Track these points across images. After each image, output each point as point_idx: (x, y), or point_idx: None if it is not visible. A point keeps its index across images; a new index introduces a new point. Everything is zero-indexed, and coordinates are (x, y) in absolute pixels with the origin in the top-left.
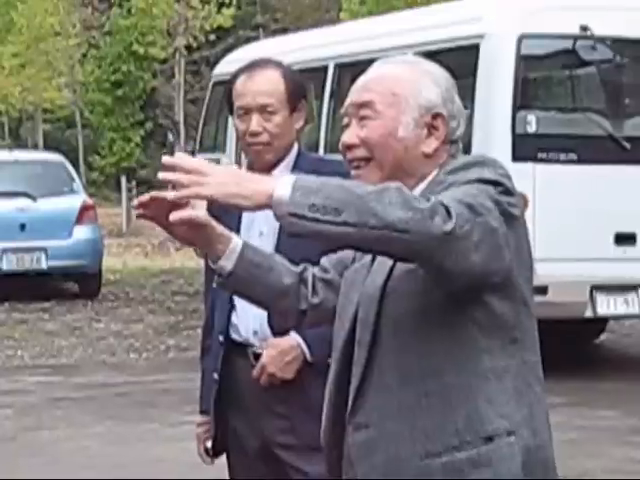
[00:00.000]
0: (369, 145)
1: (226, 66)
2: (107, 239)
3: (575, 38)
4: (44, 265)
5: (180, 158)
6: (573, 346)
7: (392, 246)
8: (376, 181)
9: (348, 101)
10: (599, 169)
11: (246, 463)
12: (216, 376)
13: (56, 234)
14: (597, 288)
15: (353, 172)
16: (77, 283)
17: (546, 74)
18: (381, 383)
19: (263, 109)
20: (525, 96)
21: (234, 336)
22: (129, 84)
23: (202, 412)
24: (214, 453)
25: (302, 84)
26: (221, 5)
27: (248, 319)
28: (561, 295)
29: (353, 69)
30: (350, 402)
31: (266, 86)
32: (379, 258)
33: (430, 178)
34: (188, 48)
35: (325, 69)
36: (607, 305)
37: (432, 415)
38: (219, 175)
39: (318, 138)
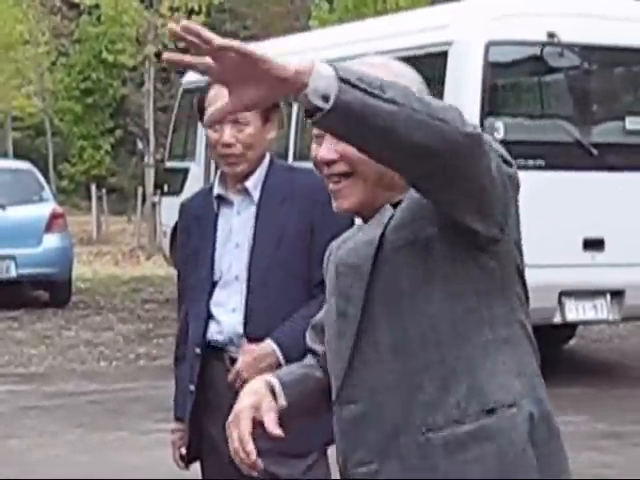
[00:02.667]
0: (349, 160)
1: (196, 74)
2: (77, 247)
3: (542, 45)
4: (13, 273)
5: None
6: (542, 352)
7: (430, 133)
8: (360, 194)
9: None
10: (567, 175)
11: (220, 469)
12: (192, 388)
13: (25, 242)
14: (566, 294)
15: (332, 186)
16: (47, 291)
17: (514, 81)
18: (373, 357)
19: (235, 120)
20: (493, 103)
21: (211, 342)
22: (99, 92)
23: (177, 419)
24: (188, 460)
25: None
26: (190, 13)
27: (224, 326)
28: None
29: None
30: (340, 379)
31: None
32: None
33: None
34: (158, 56)
35: None
36: (576, 311)
37: (432, 388)
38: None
39: (287, 145)
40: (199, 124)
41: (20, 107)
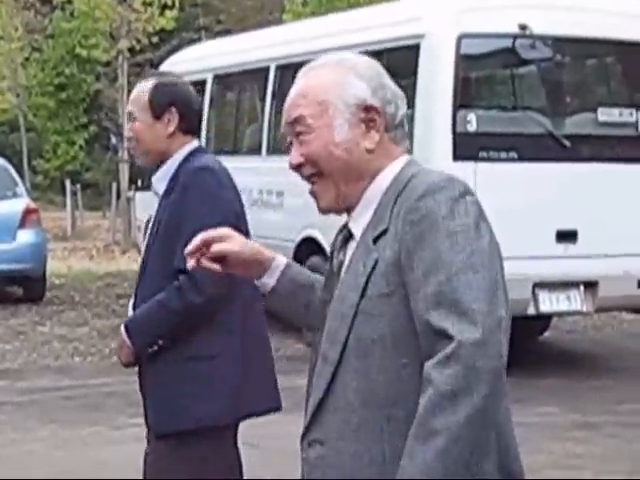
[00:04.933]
0: (312, 160)
1: (169, 68)
2: (52, 243)
3: (514, 37)
4: None
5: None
6: (516, 343)
7: None
8: (332, 192)
9: (282, 121)
10: (540, 167)
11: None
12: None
13: None
14: (539, 285)
15: (310, 187)
16: (21, 287)
17: (486, 73)
18: (342, 401)
19: (129, 117)
20: (465, 95)
21: None
22: (72, 87)
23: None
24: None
25: (169, 93)
26: (164, 7)
27: (131, 312)
28: None
29: (294, 70)
30: (309, 416)
31: (134, 95)
32: (351, 267)
33: (388, 179)
34: (131, 50)
35: (267, 70)
36: (549, 302)
37: (392, 441)
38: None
39: (261, 138)
40: None
41: None
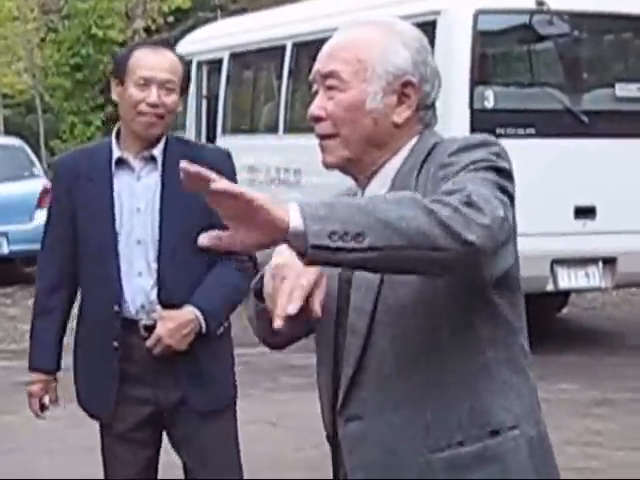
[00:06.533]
0: (335, 121)
1: (185, 47)
2: None
3: (531, 13)
4: (5, 250)
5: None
6: (535, 320)
7: (417, 264)
8: (341, 156)
9: (315, 68)
10: (557, 143)
11: (129, 432)
12: (116, 344)
13: (17, 219)
14: (558, 262)
15: (319, 141)
16: None
17: (503, 49)
18: (379, 373)
19: (163, 84)
20: (482, 71)
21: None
22: (88, 67)
23: (35, 369)
24: (102, 419)
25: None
26: None
27: (134, 294)
28: (522, 270)
29: (311, 48)
30: (342, 393)
31: (170, 64)
32: None
33: (407, 149)
34: (147, 30)
35: (283, 48)
36: (568, 279)
37: (433, 408)
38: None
39: (277, 117)
40: (189, 94)
41: (10, 84)
